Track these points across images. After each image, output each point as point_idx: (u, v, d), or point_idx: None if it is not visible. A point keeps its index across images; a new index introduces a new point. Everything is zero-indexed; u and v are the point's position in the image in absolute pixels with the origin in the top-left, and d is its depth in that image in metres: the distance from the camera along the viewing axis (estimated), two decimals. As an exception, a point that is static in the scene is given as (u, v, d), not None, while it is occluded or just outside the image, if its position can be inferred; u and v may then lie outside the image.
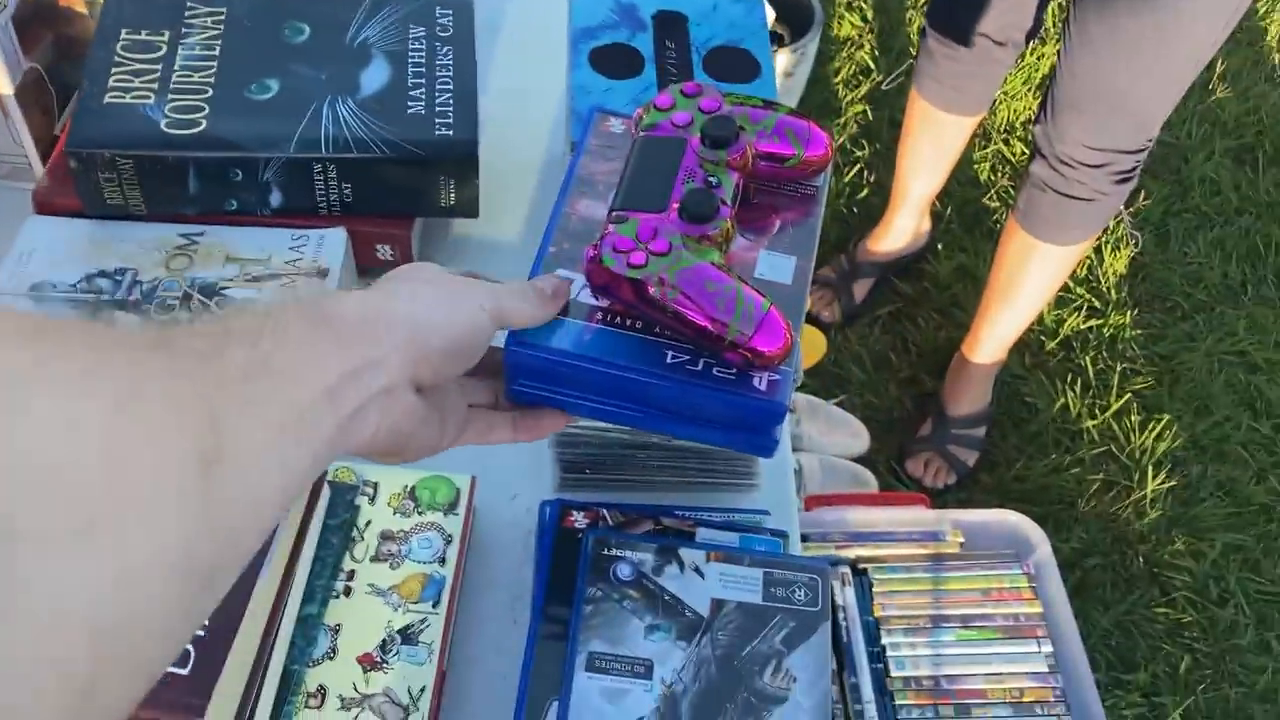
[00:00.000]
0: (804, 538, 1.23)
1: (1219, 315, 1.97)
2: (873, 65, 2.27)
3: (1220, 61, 2.32)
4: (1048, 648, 1.24)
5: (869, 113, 2.19)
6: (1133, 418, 1.83)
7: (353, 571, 0.67)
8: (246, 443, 0.35)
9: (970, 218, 2.06)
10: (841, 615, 1.24)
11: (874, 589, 1.28)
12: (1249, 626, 1.61)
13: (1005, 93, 2.24)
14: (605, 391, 0.52)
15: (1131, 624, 1.62)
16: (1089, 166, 1.44)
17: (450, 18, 0.87)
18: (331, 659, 0.64)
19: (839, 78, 2.25)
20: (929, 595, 1.29)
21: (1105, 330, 1.93)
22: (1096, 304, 1.96)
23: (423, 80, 0.82)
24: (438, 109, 0.80)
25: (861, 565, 1.30)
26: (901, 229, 1.89)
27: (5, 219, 0.79)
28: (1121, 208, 1.54)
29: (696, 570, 0.66)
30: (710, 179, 0.54)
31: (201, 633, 0.57)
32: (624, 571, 0.66)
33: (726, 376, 0.51)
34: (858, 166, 2.10)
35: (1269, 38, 2.43)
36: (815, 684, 0.62)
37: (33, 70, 0.83)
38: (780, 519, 0.73)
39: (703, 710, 0.61)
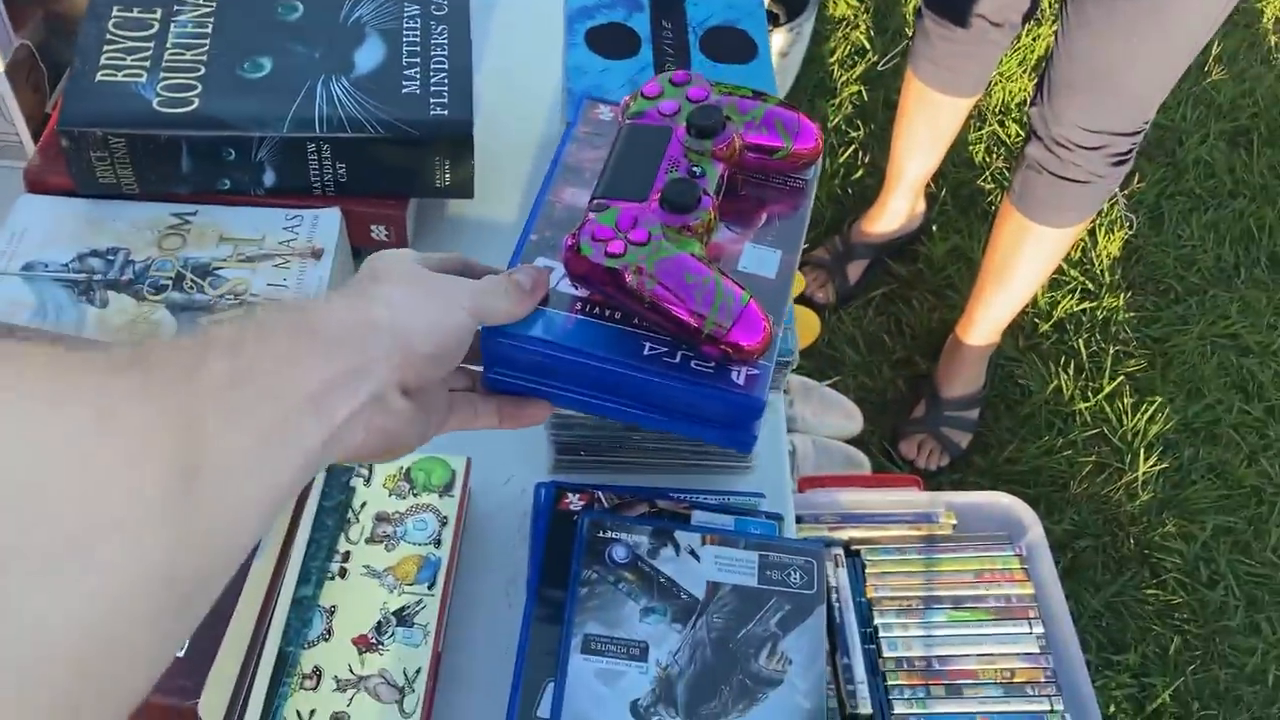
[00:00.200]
0: (797, 519, 1.23)
1: (1212, 298, 1.97)
2: (868, 45, 2.26)
3: (1216, 44, 2.31)
4: (1039, 629, 1.24)
5: (864, 93, 2.18)
6: (1125, 400, 1.83)
7: (348, 553, 0.67)
8: (229, 452, 0.35)
9: (965, 199, 2.06)
10: (834, 596, 1.24)
11: (866, 570, 1.28)
12: (1239, 608, 1.62)
13: (1001, 74, 2.23)
14: (581, 382, 0.52)
15: (1122, 605, 1.62)
16: (1085, 149, 1.44)
17: (445, -4, 0.86)
18: (327, 641, 0.64)
19: (834, 58, 2.24)
20: (921, 576, 1.29)
21: (1098, 313, 1.94)
22: (1090, 286, 1.97)
23: (417, 59, 0.81)
24: (433, 89, 0.79)
25: (854, 547, 1.31)
26: (896, 210, 1.88)
27: (-4, 198, 0.79)
28: (1117, 190, 1.54)
29: (692, 553, 0.66)
30: (694, 169, 0.53)
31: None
32: (619, 554, 0.66)
33: (704, 370, 0.50)
34: (852, 147, 2.10)
35: (1265, 20, 2.43)
36: (810, 666, 0.62)
37: (23, 47, 0.82)
38: (775, 502, 0.73)
39: (698, 692, 0.61)
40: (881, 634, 1.24)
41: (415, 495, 0.69)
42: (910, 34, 1.75)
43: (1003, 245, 1.62)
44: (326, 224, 0.78)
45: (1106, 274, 1.99)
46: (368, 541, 0.67)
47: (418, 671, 0.63)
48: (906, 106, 1.75)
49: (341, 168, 0.78)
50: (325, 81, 0.78)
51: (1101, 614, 1.61)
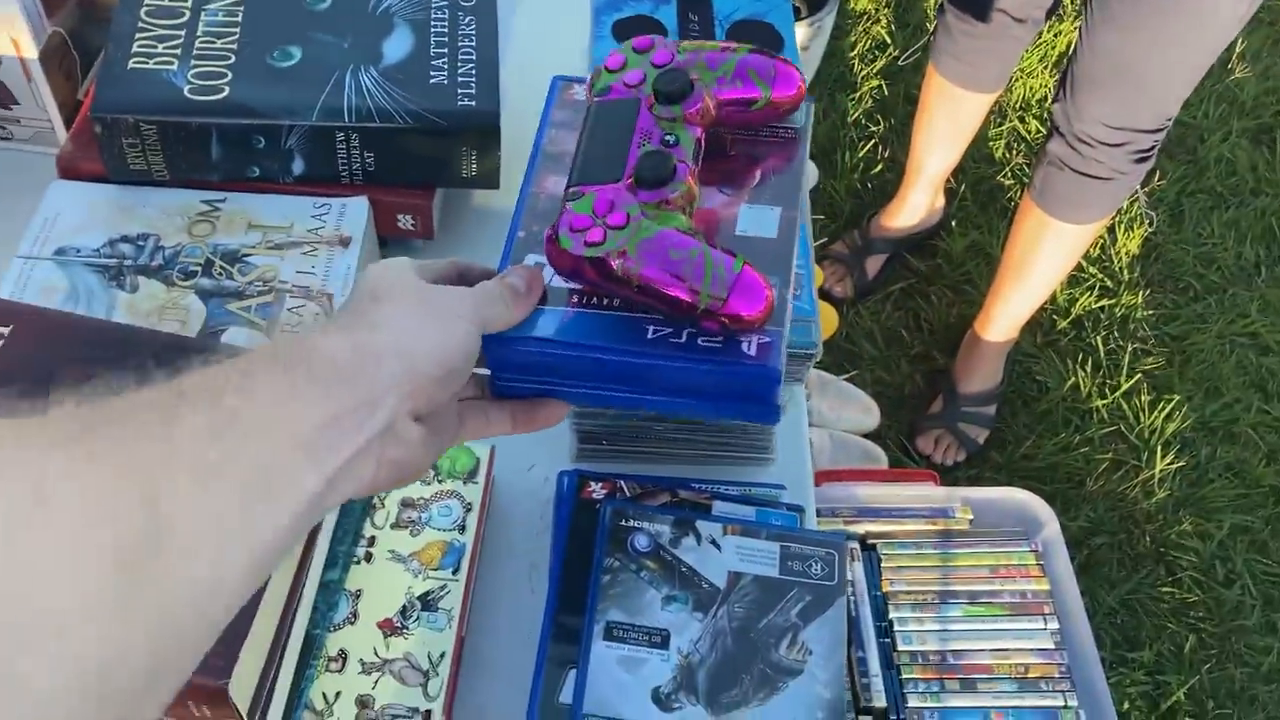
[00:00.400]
0: (814, 512, 1.24)
1: (1231, 297, 1.96)
2: (889, 40, 2.26)
3: (1240, 40, 2.30)
4: (1054, 624, 1.25)
5: (884, 87, 2.18)
6: (1143, 398, 1.83)
7: (373, 538, 0.68)
8: (200, 517, 0.32)
9: (984, 195, 2.05)
10: (850, 590, 1.25)
11: (882, 564, 1.29)
12: (1255, 608, 1.62)
13: (1021, 70, 2.22)
14: (590, 376, 0.50)
15: (1137, 603, 1.62)
16: (1107, 145, 1.43)
17: (472, -13, 0.87)
18: (353, 624, 0.64)
19: (854, 52, 2.24)
20: (937, 571, 1.30)
21: (1117, 310, 1.93)
22: (1109, 284, 1.96)
23: (445, 50, 0.82)
24: (460, 79, 0.80)
25: (870, 541, 1.31)
26: (915, 205, 1.88)
27: (30, 183, 0.79)
28: (1138, 187, 1.54)
29: (713, 543, 0.67)
30: (667, 138, 0.51)
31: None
32: (641, 543, 0.67)
33: (712, 345, 0.48)
34: (872, 141, 2.09)
35: (1289, 17, 2.41)
36: (830, 657, 0.63)
37: (56, 34, 0.83)
38: (796, 493, 0.74)
39: (719, 680, 0.62)
40: (897, 628, 1.24)
41: (440, 482, 0.70)
42: (931, 29, 1.75)
43: (1022, 241, 1.62)
44: (354, 212, 0.79)
45: (1125, 271, 1.98)
46: (393, 527, 0.68)
47: (441, 655, 0.64)
48: (927, 101, 1.75)
49: (369, 157, 0.78)
50: (354, 71, 0.79)
51: (1117, 611, 1.61)
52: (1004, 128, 2.15)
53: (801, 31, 1.92)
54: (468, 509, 0.69)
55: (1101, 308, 1.93)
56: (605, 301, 0.50)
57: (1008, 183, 2.07)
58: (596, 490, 0.70)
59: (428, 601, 0.66)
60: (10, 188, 0.82)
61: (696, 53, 0.53)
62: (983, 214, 2.02)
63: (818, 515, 1.32)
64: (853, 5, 2.32)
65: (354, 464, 0.40)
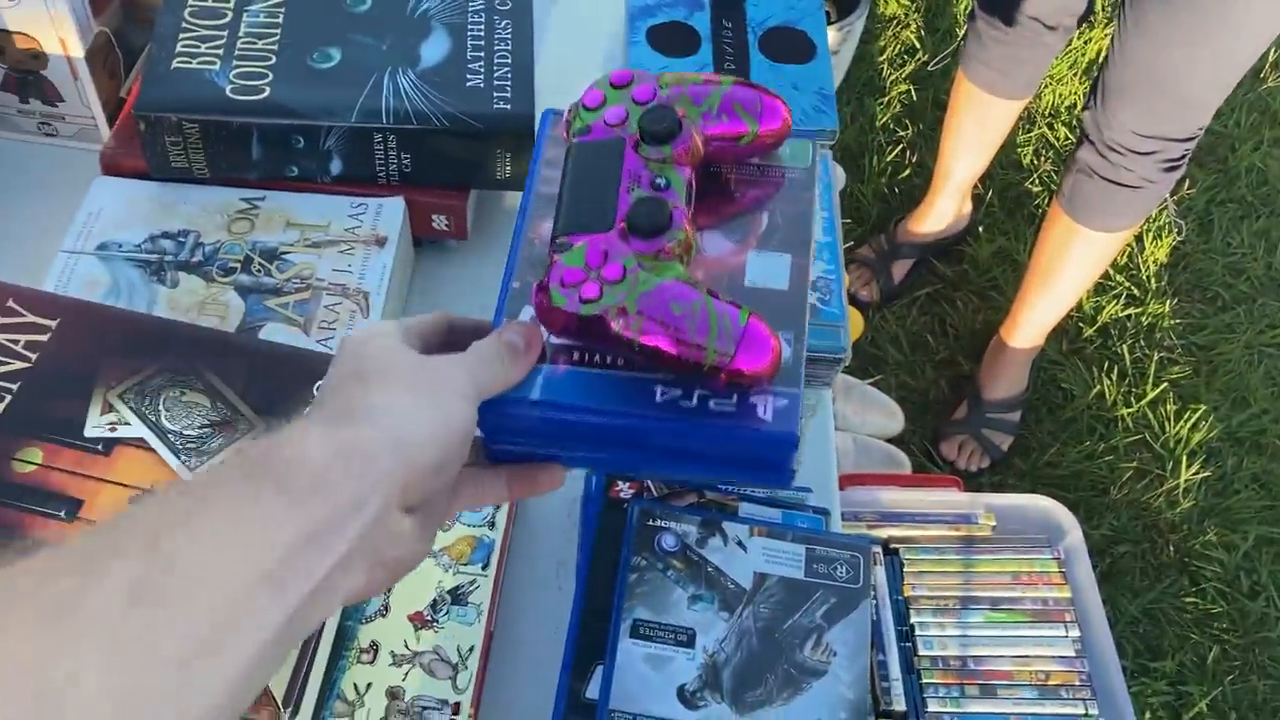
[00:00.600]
0: (837, 515, 1.25)
1: (1260, 307, 1.95)
2: (918, 45, 2.26)
3: (1273, 49, 2.29)
4: (1075, 632, 1.25)
5: (913, 92, 2.18)
6: (1168, 407, 1.82)
7: (405, 533, 0.69)
8: (113, 704, 0.29)
9: (1012, 201, 2.05)
10: (871, 593, 1.25)
11: (904, 569, 1.29)
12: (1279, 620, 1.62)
13: (1051, 77, 2.22)
14: (593, 440, 0.46)
15: (1160, 612, 1.62)
16: (1138, 153, 1.43)
17: (509, -9, 0.88)
18: (384, 616, 0.66)
19: (884, 56, 2.24)
20: (959, 577, 1.30)
21: (1143, 318, 1.93)
22: (1136, 292, 1.95)
23: (481, 53, 0.83)
24: (495, 82, 0.81)
25: (893, 545, 1.32)
26: (943, 211, 1.88)
27: (73, 179, 0.81)
28: (1167, 195, 1.53)
29: (739, 544, 0.68)
30: (658, 180, 0.47)
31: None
32: (668, 542, 0.68)
33: (726, 410, 0.44)
34: (900, 146, 2.09)
35: (1324, 26, 2.39)
36: (855, 659, 0.63)
37: (102, 34, 0.85)
38: (821, 496, 0.75)
39: (744, 679, 0.62)
40: (918, 632, 1.25)
41: (471, 479, 0.71)
42: (961, 34, 1.75)
43: (1050, 248, 1.62)
44: (390, 213, 0.80)
45: (1153, 280, 1.97)
46: (424, 522, 0.69)
47: (470, 649, 0.65)
48: (956, 107, 1.75)
49: (406, 158, 0.80)
50: (392, 73, 0.80)
51: (1139, 620, 1.61)
52: (1032, 134, 2.14)
53: (831, 36, 1.93)
54: (497, 505, 0.70)
55: (1128, 316, 1.93)
56: (608, 359, 0.46)
57: (1035, 189, 2.07)
58: (624, 489, 0.71)
59: (458, 596, 0.67)
60: (54, 184, 0.84)
61: (679, 87, 0.50)
62: (1010, 220, 2.02)
63: (840, 519, 1.33)
64: (882, 10, 2.32)
65: (335, 578, 0.36)
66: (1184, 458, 1.76)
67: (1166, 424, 1.80)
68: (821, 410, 0.79)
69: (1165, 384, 1.85)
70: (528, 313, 0.47)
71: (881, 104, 2.16)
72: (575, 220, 0.47)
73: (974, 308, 1.91)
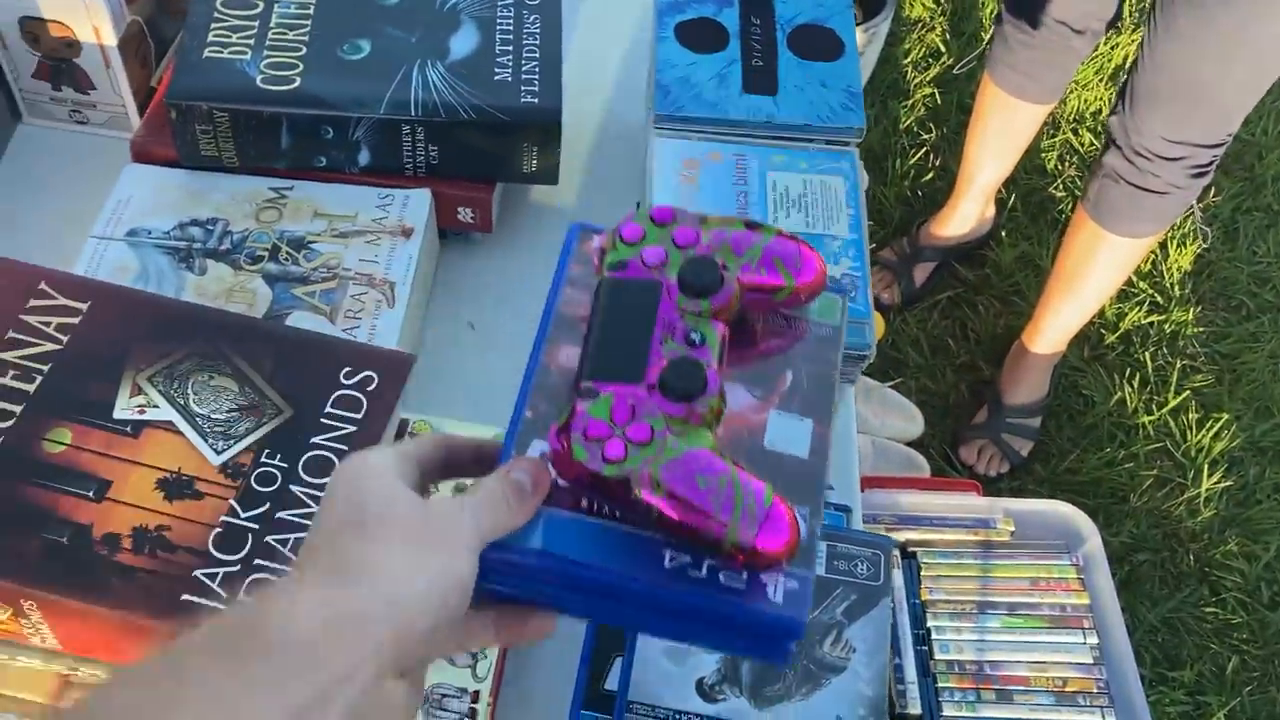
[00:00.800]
0: (855, 517, 1.24)
1: (1286, 316, 1.94)
2: (943, 48, 2.25)
3: (1302, 58, 2.27)
4: (1093, 639, 1.24)
5: (937, 95, 2.17)
6: (1190, 415, 1.81)
7: (427, 522, 0.69)
8: None
9: (1035, 206, 2.04)
10: (891, 591, 1.25)
11: (922, 573, 1.29)
12: (1299, 631, 1.60)
13: (1076, 82, 2.21)
14: (593, 596, 0.43)
15: (1179, 621, 1.61)
16: (1165, 159, 1.42)
17: (538, -14, 0.88)
18: (405, 604, 0.66)
19: (909, 59, 2.24)
20: (977, 581, 1.29)
21: (1166, 326, 1.91)
22: (1159, 299, 1.94)
23: (510, 47, 0.83)
24: (524, 76, 0.81)
25: (911, 549, 1.31)
26: (966, 215, 1.88)
27: (104, 166, 0.82)
28: (1194, 202, 1.52)
29: (761, 539, 0.68)
30: (693, 335, 0.45)
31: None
32: (690, 536, 0.68)
33: (735, 585, 0.42)
34: (924, 149, 2.09)
35: (1354, 35, 2.38)
36: (874, 655, 0.63)
37: (135, 23, 0.85)
38: (843, 494, 0.75)
39: (763, 674, 0.62)
40: (934, 636, 1.24)
41: (493, 470, 0.72)
42: (986, 38, 1.74)
43: (1074, 253, 1.61)
44: (417, 204, 0.80)
45: (1176, 287, 1.96)
46: (446, 512, 0.69)
47: (491, 639, 0.65)
48: (981, 111, 1.74)
49: (434, 150, 0.80)
50: (421, 66, 0.81)
51: (1158, 629, 1.60)
52: (1057, 139, 2.13)
53: (857, 37, 1.92)
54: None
55: (1150, 323, 1.91)
56: (617, 512, 0.43)
57: (1059, 195, 2.06)
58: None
59: (478, 586, 0.67)
60: (85, 170, 0.85)
61: (721, 231, 0.48)
62: (1033, 225, 2.01)
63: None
64: (908, 12, 2.31)
65: None
66: (1205, 466, 1.75)
67: (1188, 432, 1.79)
68: (844, 407, 0.79)
69: (1187, 392, 1.83)
70: (537, 447, 0.44)
71: (905, 107, 2.16)
72: (604, 367, 0.44)
73: (995, 312, 1.90)
